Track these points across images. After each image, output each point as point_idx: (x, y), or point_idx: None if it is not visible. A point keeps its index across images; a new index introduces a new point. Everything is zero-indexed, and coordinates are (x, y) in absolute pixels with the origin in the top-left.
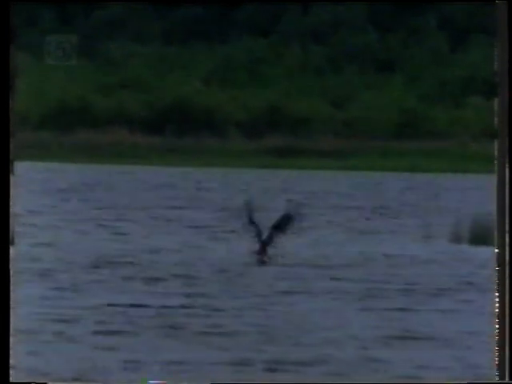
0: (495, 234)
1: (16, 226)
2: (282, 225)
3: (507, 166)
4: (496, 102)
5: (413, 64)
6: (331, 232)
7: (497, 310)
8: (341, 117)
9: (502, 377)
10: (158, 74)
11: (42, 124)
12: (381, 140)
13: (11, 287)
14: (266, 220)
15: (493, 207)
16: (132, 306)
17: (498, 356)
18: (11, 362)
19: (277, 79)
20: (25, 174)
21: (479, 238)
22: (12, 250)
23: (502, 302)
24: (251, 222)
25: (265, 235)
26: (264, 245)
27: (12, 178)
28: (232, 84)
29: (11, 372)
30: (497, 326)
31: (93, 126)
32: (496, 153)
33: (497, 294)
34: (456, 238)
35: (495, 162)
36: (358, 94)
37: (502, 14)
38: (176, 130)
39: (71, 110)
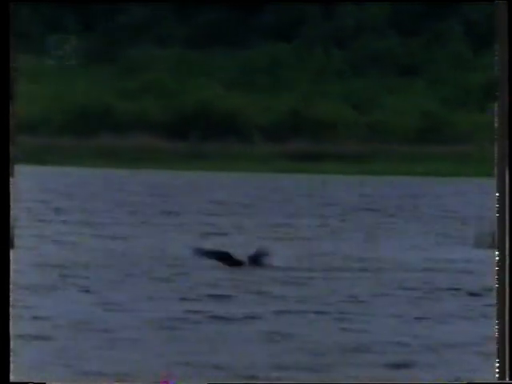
0: (496, 238)
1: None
2: (257, 259)
3: (507, 169)
4: (496, 103)
5: (435, 68)
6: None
7: (497, 310)
8: (363, 121)
9: (501, 377)
10: (181, 78)
11: (65, 128)
12: (403, 144)
13: (10, 287)
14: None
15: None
16: None
17: (498, 356)
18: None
19: (299, 83)
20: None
21: None
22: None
23: (501, 303)
24: (252, 260)
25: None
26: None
27: (12, 180)
28: (254, 88)
29: (11, 372)
30: (496, 327)
31: (115, 131)
32: (496, 156)
33: (497, 294)
34: None
35: (495, 165)
36: (381, 98)
37: (502, 14)
38: (198, 134)
39: (93, 115)
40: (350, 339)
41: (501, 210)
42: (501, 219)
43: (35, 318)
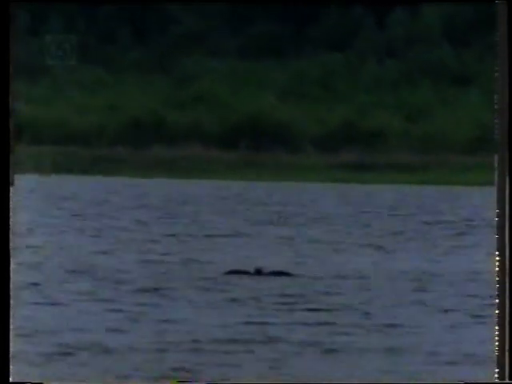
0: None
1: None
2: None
3: (507, 176)
4: (496, 105)
5: (488, 78)
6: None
7: (497, 311)
8: (416, 131)
9: (501, 377)
10: (233, 89)
11: (118, 139)
12: (456, 154)
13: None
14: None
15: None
16: None
17: (498, 356)
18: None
19: (352, 94)
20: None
21: None
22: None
23: (502, 303)
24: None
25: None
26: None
27: (12, 189)
28: (306, 99)
29: (11, 372)
30: (496, 326)
31: (168, 141)
32: (496, 163)
33: (497, 295)
34: None
35: (495, 172)
36: (433, 108)
37: (502, 14)
38: (250, 144)
39: (147, 126)
40: None
41: (501, 220)
42: (501, 229)
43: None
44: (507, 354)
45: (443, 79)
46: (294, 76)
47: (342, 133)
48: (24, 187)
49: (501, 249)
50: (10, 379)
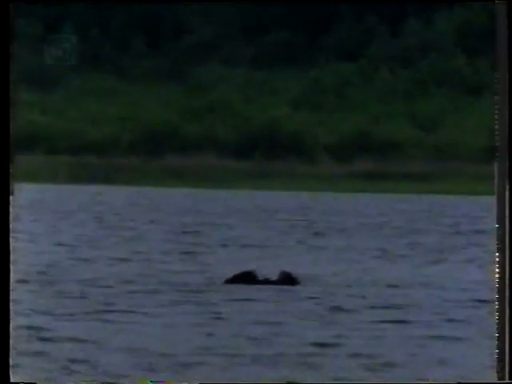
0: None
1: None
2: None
3: (507, 185)
4: (496, 109)
5: None
6: None
7: (497, 309)
8: (430, 140)
9: (501, 377)
10: (247, 98)
11: (132, 148)
12: (470, 163)
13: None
14: None
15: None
16: None
17: (498, 356)
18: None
19: (366, 103)
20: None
21: None
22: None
23: (502, 302)
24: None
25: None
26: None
27: (12, 199)
28: (321, 108)
29: (11, 372)
30: (496, 326)
31: (182, 151)
32: (496, 173)
33: (497, 295)
34: None
35: (495, 182)
36: (447, 117)
37: (502, 15)
38: (265, 154)
39: (160, 135)
40: None
41: (501, 229)
42: (501, 239)
43: None
44: (507, 353)
45: (457, 88)
46: (307, 85)
47: (356, 142)
48: (39, 197)
49: (501, 257)
50: (11, 379)
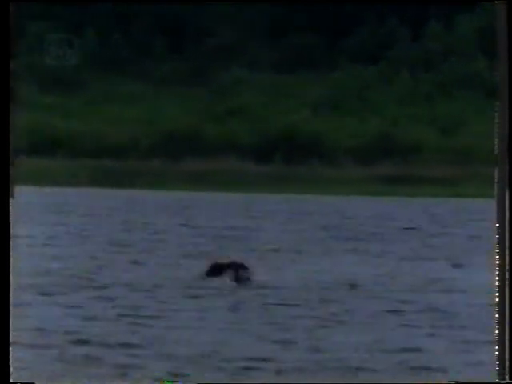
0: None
1: None
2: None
3: (507, 190)
4: (496, 109)
5: None
6: None
7: (497, 310)
8: (451, 144)
9: (501, 377)
10: (269, 101)
11: (153, 152)
12: (491, 167)
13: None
14: None
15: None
16: None
17: (498, 356)
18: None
19: (386, 106)
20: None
21: None
22: None
23: (502, 302)
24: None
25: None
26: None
27: (12, 202)
28: (342, 111)
29: (11, 372)
30: (496, 326)
31: (203, 154)
32: (496, 176)
33: (497, 294)
34: None
35: (495, 185)
36: (469, 120)
37: (502, 14)
38: (285, 157)
39: (181, 138)
40: None
41: (501, 233)
42: (501, 243)
43: None
44: (507, 353)
45: (478, 91)
46: (329, 88)
47: (377, 145)
48: (61, 200)
49: (501, 261)
50: (11, 379)
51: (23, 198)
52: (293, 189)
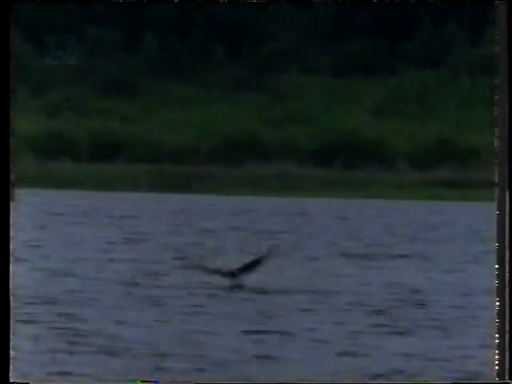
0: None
1: None
2: (251, 267)
3: (507, 191)
4: (496, 110)
5: None
6: None
7: (497, 309)
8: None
9: (501, 377)
10: (327, 106)
11: (211, 157)
12: None
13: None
14: None
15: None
16: None
17: (498, 356)
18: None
19: (445, 110)
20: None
21: None
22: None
23: (502, 302)
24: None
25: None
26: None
27: (12, 204)
28: (400, 115)
29: (11, 372)
30: (496, 326)
31: (261, 159)
32: (496, 178)
33: (497, 294)
34: None
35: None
36: None
37: (502, 14)
38: (344, 162)
39: (240, 143)
40: None
41: (500, 236)
42: (501, 244)
43: None
44: (507, 353)
45: None
46: (387, 93)
47: (436, 150)
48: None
49: (500, 263)
50: (10, 379)
51: (85, 202)
52: (352, 193)
